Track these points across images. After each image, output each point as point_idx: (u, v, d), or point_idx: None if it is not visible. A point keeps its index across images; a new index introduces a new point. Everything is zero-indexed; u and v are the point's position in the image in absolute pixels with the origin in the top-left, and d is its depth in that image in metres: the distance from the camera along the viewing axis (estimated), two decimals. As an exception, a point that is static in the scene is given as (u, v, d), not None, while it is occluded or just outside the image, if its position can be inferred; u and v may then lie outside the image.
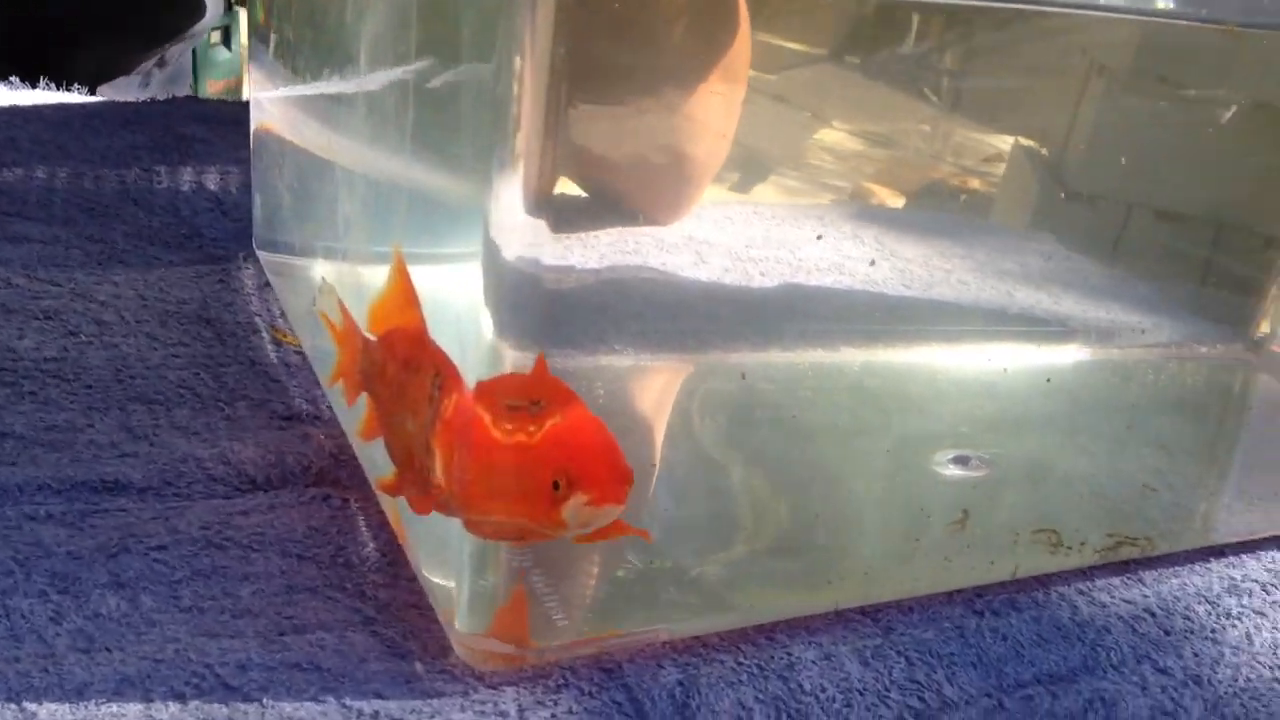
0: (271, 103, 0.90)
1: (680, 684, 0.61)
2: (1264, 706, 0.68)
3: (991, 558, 0.73)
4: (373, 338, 0.65)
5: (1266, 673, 0.71)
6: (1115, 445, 0.83)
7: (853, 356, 0.73)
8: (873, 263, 0.67)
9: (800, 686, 0.63)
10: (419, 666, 0.59)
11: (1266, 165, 0.79)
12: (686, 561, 0.66)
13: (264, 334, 0.89)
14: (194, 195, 1.12)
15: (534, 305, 0.56)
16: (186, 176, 1.15)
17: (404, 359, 0.61)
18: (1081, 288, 0.79)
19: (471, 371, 0.55)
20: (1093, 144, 0.71)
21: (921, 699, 0.63)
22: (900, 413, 0.76)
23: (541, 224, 0.54)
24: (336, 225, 0.77)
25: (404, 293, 0.62)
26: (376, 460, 0.70)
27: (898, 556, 0.71)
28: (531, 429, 0.54)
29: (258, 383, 0.82)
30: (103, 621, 0.58)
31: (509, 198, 0.52)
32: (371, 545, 0.67)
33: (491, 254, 0.53)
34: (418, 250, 0.61)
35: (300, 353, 0.87)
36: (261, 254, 0.99)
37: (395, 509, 0.68)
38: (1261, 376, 0.91)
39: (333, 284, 0.69)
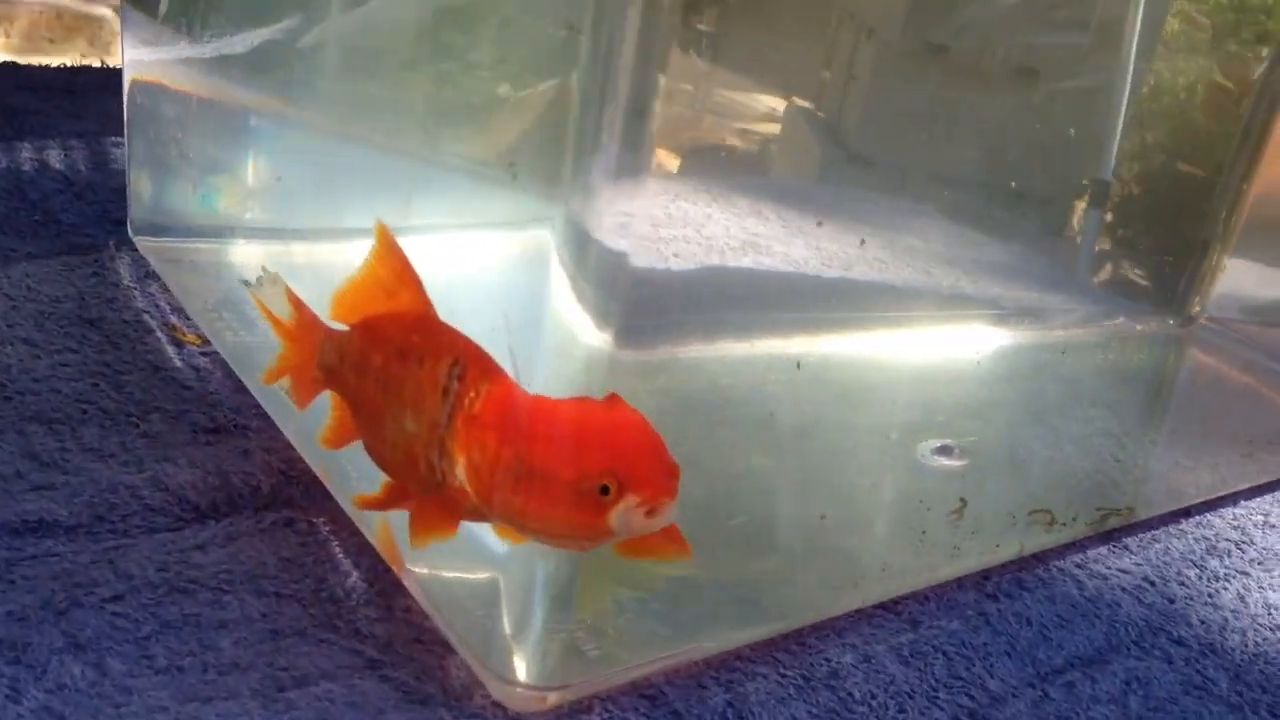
0: (169, 68, 0.78)
1: (730, 704, 0.55)
2: (1279, 670, 0.68)
3: (996, 541, 0.71)
4: (341, 327, 0.56)
5: (1269, 634, 0.71)
6: (1076, 422, 0.82)
7: (797, 345, 0.69)
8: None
9: (850, 695, 0.58)
10: (445, 715, 0.52)
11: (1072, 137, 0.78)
12: (705, 572, 0.61)
13: (159, 334, 0.78)
14: (39, 176, 0.97)
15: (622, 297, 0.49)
16: (25, 154, 1.01)
17: (400, 348, 0.53)
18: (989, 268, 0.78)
19: (550, 371, 0.48)
20: (868, 108, 0.68)
21: (970, 696, 0.60)
22: (870, 405, 0.73)
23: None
24: (280, 202, 0.67)
25: (395, 273, 0.53)
26: (347, 472, 0.61)
27: (909, 550, 0.67)
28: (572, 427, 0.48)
29: (167, 391, 0.71)
30: (70, 695, 0.48)
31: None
32: (355, 574, 0.59)
33: (581, 243, 0.46)
34: (432, 222, 0.53)
35: (207, 353, 0.76)
36: (142, 241, 0.87)
37: (383, 528, 0.59)
38: (1192, 350, 0.92)
39: (276, 272, 0.60)
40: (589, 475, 0.47)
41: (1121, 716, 0.61)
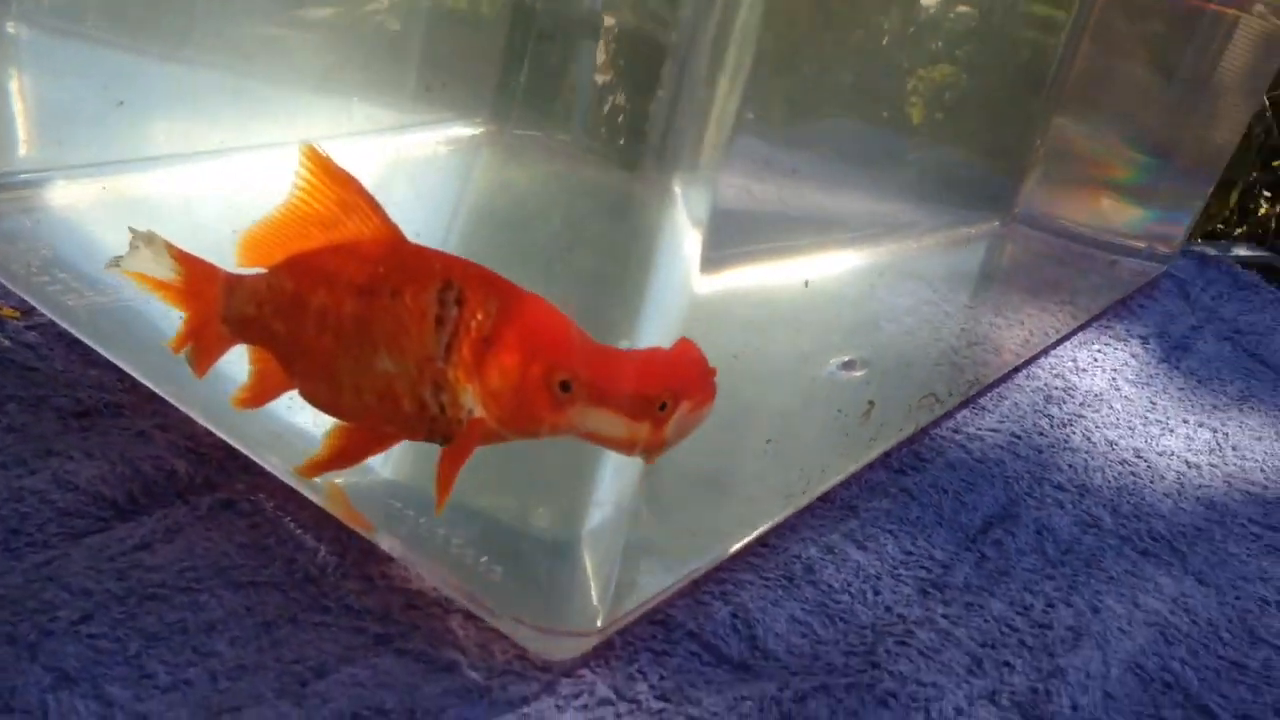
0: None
1: (734, 615, 0.56)
2: (1141, 498, 0.75)
3: (899, 426, 0.74)
4: (250, 272, 0.51)
5: (1119, 468, 0.79)
6: (937, 315, 0.87)
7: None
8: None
9: (830, 585, 0.60)
10: (477, 676, 0.49)
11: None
12: (671, 498, 0.60)
13: (-37, 311, 0.67)
14: None
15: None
16: None
17: (360, 284, 0.48)
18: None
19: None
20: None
21: (925, 568, 0.63)
22: (770, 331, 0.74)
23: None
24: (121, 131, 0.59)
25: (339, 201, 0.49)
26: (282, 437, 0.56)
27: (838, 451, 0.69)
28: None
29: (11, 375, 0.62)
30: (89, 738, 0.42)
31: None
32: (322, 548, 0.54)
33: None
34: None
35: (34, 326, 0.67)
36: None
37: (335, 493, 0.55)
38: (1009, 245, 0.99)
39: (150, 230, 0.53)
40: (651, 392, 0.45)
41: (1046, 563, 0.66)
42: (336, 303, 0.49)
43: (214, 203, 0.71)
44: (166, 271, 0.52)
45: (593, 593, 0.50)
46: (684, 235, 0.48)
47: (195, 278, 0.52)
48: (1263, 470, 0.83)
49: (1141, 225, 1.11)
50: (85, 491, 0.54)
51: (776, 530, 0.63)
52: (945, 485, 0.71)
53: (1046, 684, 0.55)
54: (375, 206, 0.49)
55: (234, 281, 0.51)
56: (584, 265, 0.62)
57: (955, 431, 0.78)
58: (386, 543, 0.54)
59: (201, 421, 0.59)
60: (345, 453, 0.52)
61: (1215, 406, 0.91)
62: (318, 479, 0.54)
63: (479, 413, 0.48)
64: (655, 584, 0.54)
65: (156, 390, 0.61)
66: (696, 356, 0.47)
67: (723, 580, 0.58)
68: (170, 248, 0.52)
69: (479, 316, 0.47)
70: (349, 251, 0.49)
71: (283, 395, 0.53)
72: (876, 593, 0.60)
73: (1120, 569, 0.66)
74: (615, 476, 0.51)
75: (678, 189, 0.47)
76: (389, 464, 0.57)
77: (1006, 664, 0.56)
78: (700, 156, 0.46)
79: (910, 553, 0.64)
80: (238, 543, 0.53)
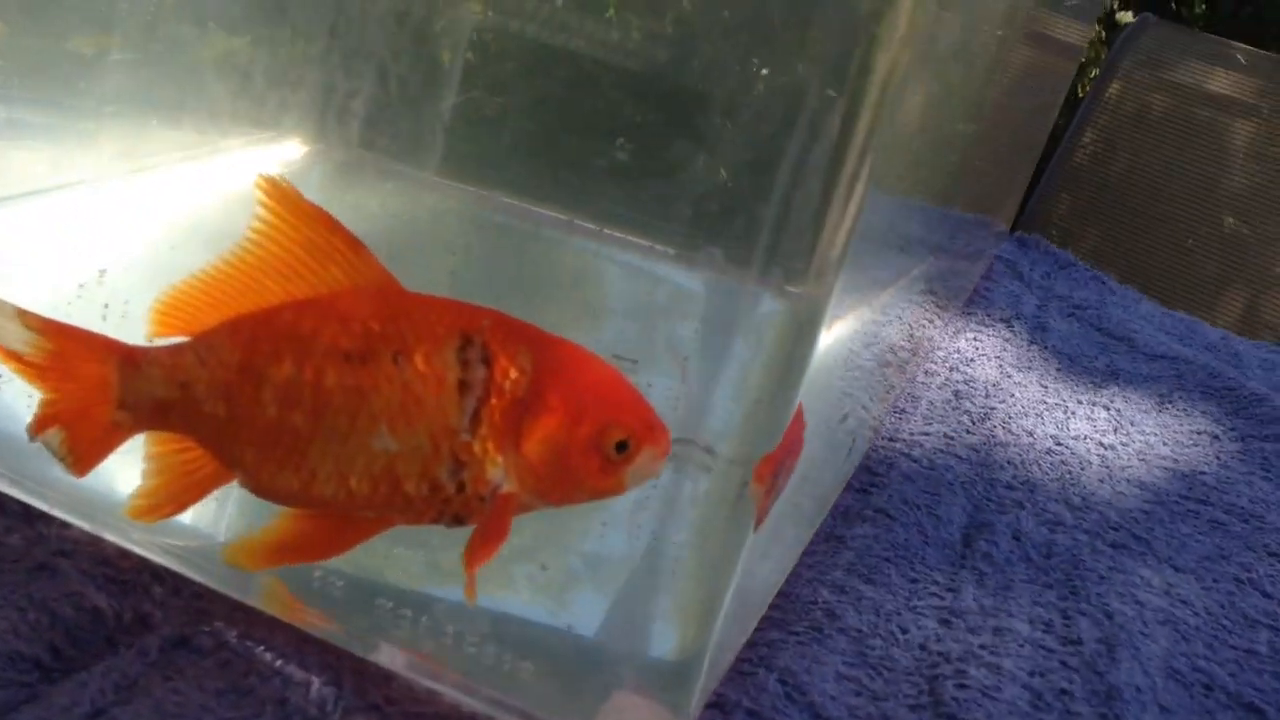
0: None
1: (782, 682, 0.50)
2: (1082, 487, 0.75)
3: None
4: (170, 341, 0.41)
5: (1047, 458, 0.78)
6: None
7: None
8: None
9: (860, 631, 0.55)
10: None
11: None
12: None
13: None
14: None
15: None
16: None
17: (348, 346, 0.40)
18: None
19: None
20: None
21: (934, 594, 0.59)
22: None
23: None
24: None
25: (306, 244, 0.40)
26: (214, 538, 0.46)
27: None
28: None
29: None
30: None
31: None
32: (315, 679, 0.44)
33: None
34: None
35: None
36: None
37: (278, 589, 0.45)
38: None
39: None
40: (665, 434, 0.41)
41: (1037, 571, 0.63)
42: (314, 373, 0.40)
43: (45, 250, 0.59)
44: (19, 338, 0.40)
45: (694, 696, 0.43)
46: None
47: (68, 354, 0.41)
48: (1164, 443, 0.84)
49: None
50: (-5, 653, 0.42)
51: (790, 578, 0.57)
52: (913, 499, 0.67)
53: (1109, 708, 0.52)
54: (359, 248, 0.40)
55: (136, 357, 0.41)
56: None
57: (891, 440, 0.75)
58: (386, 655, 0.45)
59: (112, 539, 0.48)
60: (306, 544, 0.42)
61: (1095, 384, 0.93)
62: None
63: (509, 486, 0.40)
64: (721, 663, 0.48)
65: (38, 505, 0.49)
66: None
67: (755, 643, 0.52)
68: (24, 314, 0.41)
69: (512, 375, 0.39)
70: (325, 307, 0.40)
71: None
72: (904, 630, 0.56)
73: (1104, 566, 0.65)
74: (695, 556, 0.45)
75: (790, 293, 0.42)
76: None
77: (1064, 692, 0.53)
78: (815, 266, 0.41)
79: (915, 580, 0.60)
80: (212, 690, 0.42)
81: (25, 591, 0.44)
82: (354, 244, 0.40)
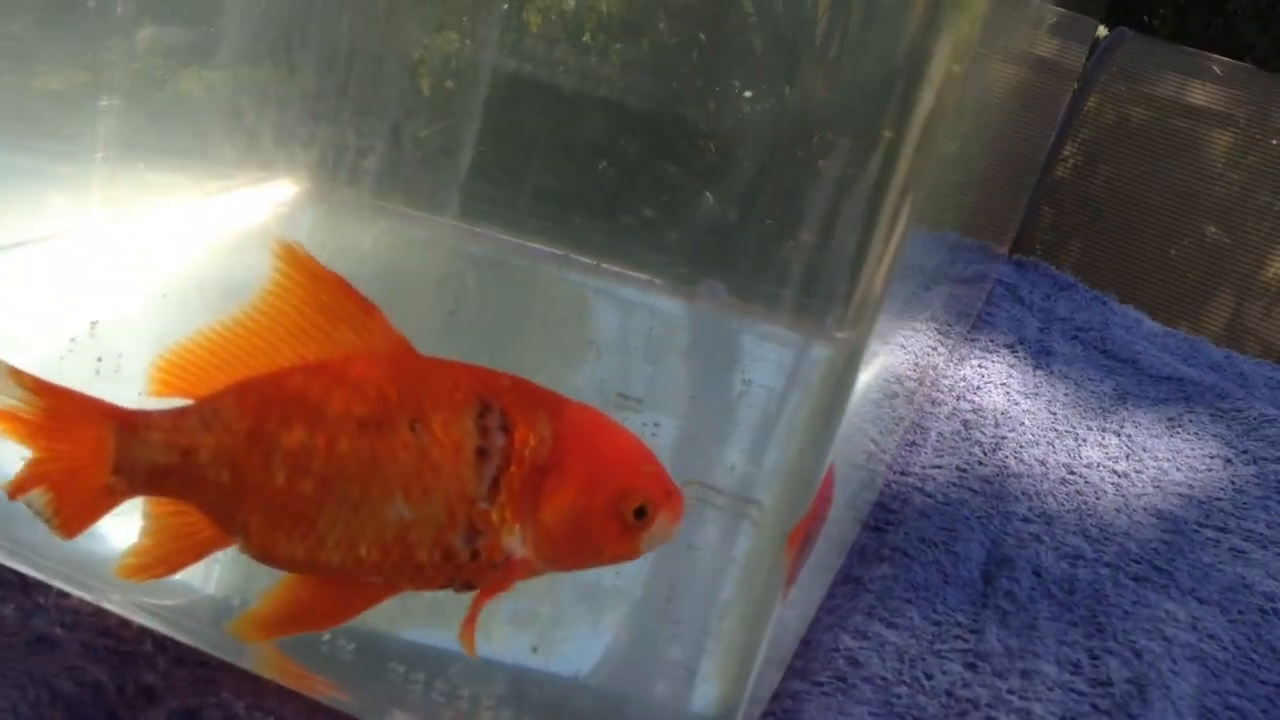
0: None
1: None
2: (1099, 518, 0.73)
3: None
4: (170, 403, 0.40)
5: (1062, 488, 0.76)
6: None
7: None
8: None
9: (885, 679, 0.53)
10: None
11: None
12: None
13: None
14: None
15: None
16: None
17: (364, 413, 0.38)
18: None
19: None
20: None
21: (958, 636, 0.58)
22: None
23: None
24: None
25: (326, 306, 0.39)
26: (220, 601, 0.44)
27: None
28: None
29: None
30: None
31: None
32: (329, 752, 0.42)
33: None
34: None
35: None
36: None
37: (295, 668, 0.44)
38: None
39: None
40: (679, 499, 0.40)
41: (1060, 608, 0.62)
42: (327, 440, 0.38)
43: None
44: (10, 402, 0.39)
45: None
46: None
47: (63, 415, 0.39)
48: (1178, 469, 0.83)
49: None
50: (-6, 738, 0.40)
51: (818, 625, 0.56)
52: (930, 537, 0.66)
53: (1144, 751, 0.51)
54: (373, 311, 0.39)
55: (135, 422, 0.39)
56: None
57: (903, 474, 0.74)
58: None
59: (114, 609, 0.46)
60: (310, 613, 0.41)
61: (1104, 409, 0.92)
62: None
63: (523, 553, 0.39)
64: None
65: (32, 573, 0.47)
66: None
67: (779, 694, 0.51)
68: (17, 374, 0.39)
69: (531, 442, 0.38)
70: (339, 372, 0.39)
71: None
72: (930, 676, 0.54)
73: (1128, 600, 0.63)
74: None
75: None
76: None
77: (1097, 736, 0.51)
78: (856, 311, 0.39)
79: (938, 622, 0.58)
80: (224, 769, 0.41)
81: (24, 667, 0.43)
82: (368, 308, 0.39)
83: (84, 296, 0.54)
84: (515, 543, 0.38)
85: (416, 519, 0.38)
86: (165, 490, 0.40)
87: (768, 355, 0.44)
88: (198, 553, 0.41)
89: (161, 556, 0.41)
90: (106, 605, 0.45)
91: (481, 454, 0.38)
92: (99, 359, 0.49)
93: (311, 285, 0.38)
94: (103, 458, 0.39)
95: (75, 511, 0.40)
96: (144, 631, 0.45)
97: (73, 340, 0.51)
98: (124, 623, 0.46)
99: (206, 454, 0.39)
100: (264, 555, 0.40)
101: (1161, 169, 1.76)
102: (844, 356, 0.40)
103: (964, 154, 0.60)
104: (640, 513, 0.39)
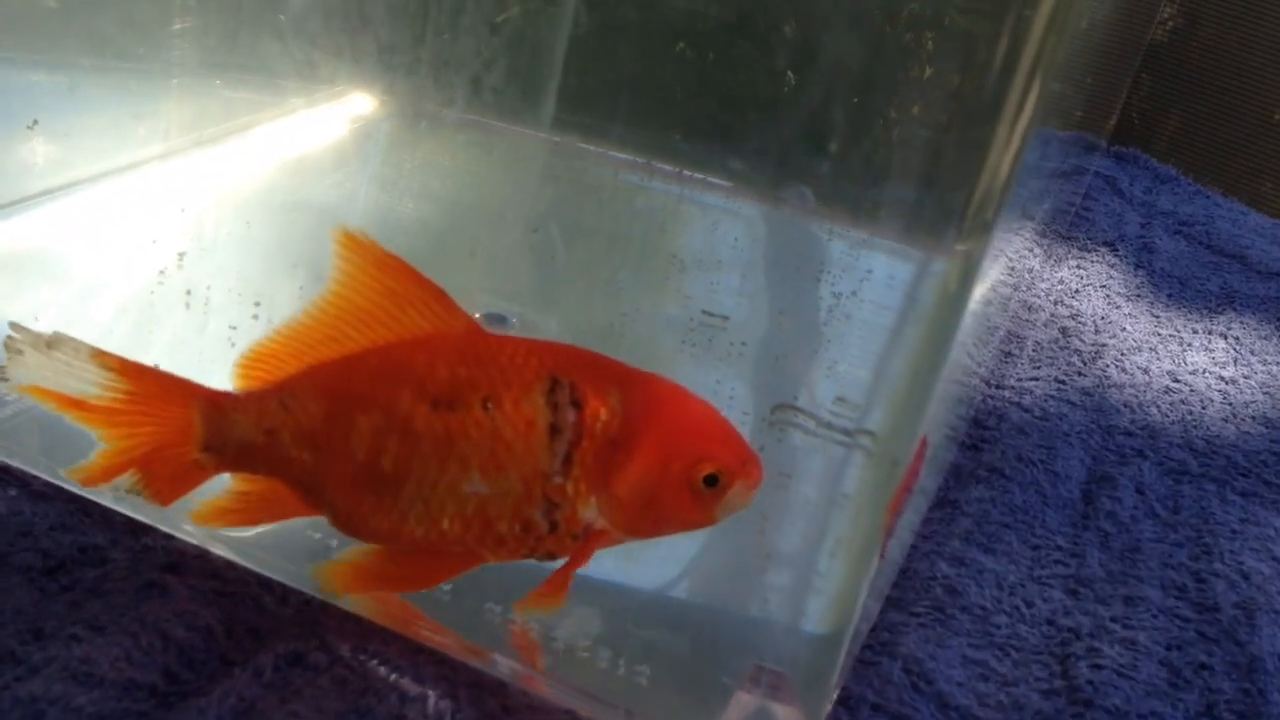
0: None
1: (907, 671, 0.48)
2: (1205, 429, 0.71)
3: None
4: (246, 392, 0.41)
5: (1166, 396, 0.74)
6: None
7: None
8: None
9: (984, 608, 0.53)
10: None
11: None
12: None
13: None
14: None
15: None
16: None
17: (437, 393, 0.39)
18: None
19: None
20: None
21: (1059, 561, 0.57)
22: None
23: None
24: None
25: (392, 291, 0.39)
26: (322, 548, 0.45)
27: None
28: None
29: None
30: None
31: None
32: (431, 693, 0.43)
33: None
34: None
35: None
36: None
37: (397, 608, 0.44)
38: None
39: (56, 331, 0.41)
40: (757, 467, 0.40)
41: (1165, 528, 0.61)
42: (401, 421, 0.39)
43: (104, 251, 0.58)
44: (86, 380, 0.39)
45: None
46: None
47: (150, 395, 0.40)
48: (1288, 374, 0.80)
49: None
50: (112, 683, 0.41)
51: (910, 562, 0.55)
52: (1028, 455, 0.65)
53: (1252, 682, 0.50)
54: (440, 294, 0.40)
55: (223, 403, 0.40)
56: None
57: (999, 387, 0.72)
58: (504, 666, 0.44)
59: (220, 553, 0.47)
60: (397, 575, 0.42)
61: (1210, 309, 0.88)
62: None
63: (601, 524, 0.40)
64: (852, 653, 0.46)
65: (135, 516, 0.48)
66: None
67: (877, 627, 0.50)
68: (101, 355, 0.40)
69: (602, 416, 0.39)
70: (410, 354, 0.39)
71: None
72: (1030, 605, 0.53)
73: (1235, 519, 0.62)
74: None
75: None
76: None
77: (1204, 666, 0.50)
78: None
79: (1037, 547, 0.57)
80: (331, 712, 0.42)
81: (135, 613, 0.44)
82: (435, 291, 0.40)
83: (168, 227, 0.54)
84: (592, 514, 0.39)
85: (494, 494, 0.39)
86: (254, 468, 0.41)
87: (874, 269, 0.43)
88: (279, 516, 0.43)
89: (240, 512, 0.42)
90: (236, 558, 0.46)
91: (554, 430, 0.38)
92: (188, 291, 0.49)
93: (376, 271, 0.39)
94: (191, 436, 0.40)
95: (167, 484, 0.41)
96: (250, 574, 0.46)
97: (161, 273, 0.51)
98: (229, 564, 0.47)
99: (288, 434, 0.40)
100: (350, 529, 0.41)
101: (1266, 31, 1.66)
102: (959, 271, 0.38)
103: (1077, 42, 0.57)
104: (712, 480, 0.39)
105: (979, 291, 0.48)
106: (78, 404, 0.40)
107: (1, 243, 0.58)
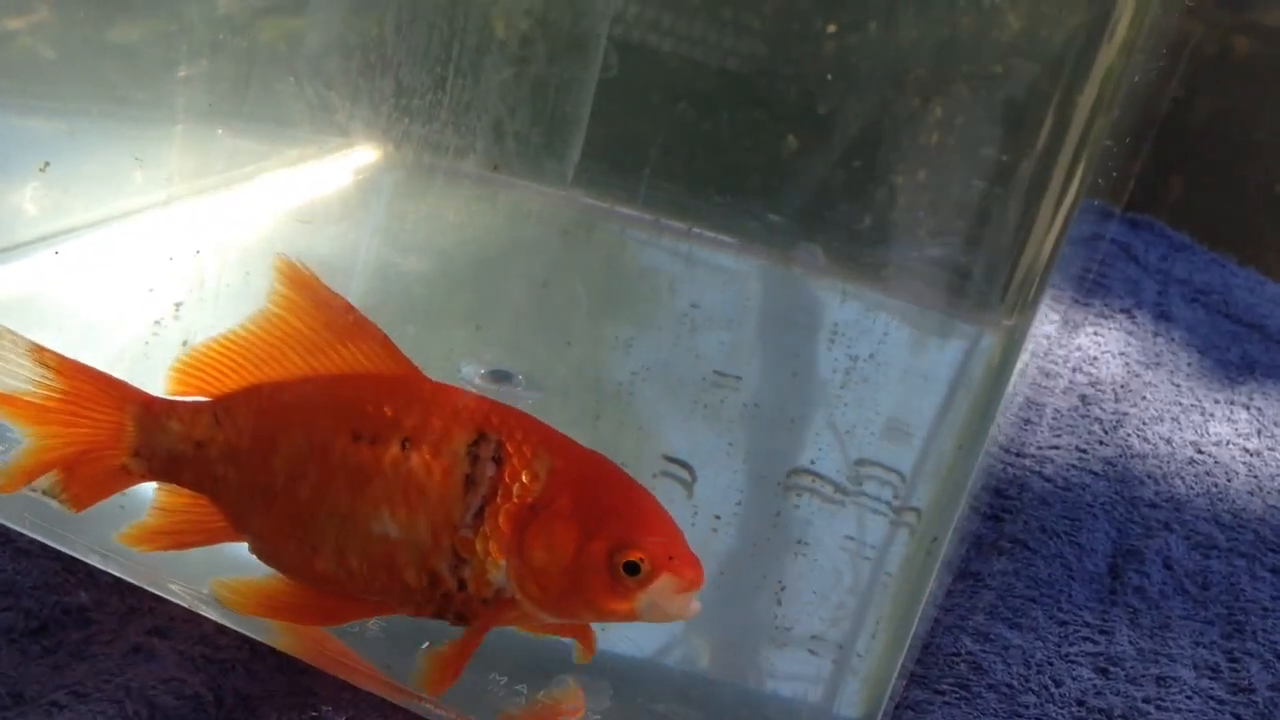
0: None
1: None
2: (1231, 502, 0.69)
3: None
4: (183, 401, 0.41)
5: (1191, 468, 0.72)
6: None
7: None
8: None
9: (1011, 686, 0.50)
10: None
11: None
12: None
13: None
14: None
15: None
16: None
17: (358, 426, 0.39)
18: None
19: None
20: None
21: (1087, 638, 0.54)
22: None
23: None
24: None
25: (331, 323, 0.39)
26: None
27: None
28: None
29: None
30: None
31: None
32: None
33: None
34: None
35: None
36: None
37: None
38: None
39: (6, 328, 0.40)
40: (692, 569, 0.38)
41: (1195, 605, 0.58)
42: (320, 449, 0.39)
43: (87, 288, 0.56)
44: (18, 381, 0.39)
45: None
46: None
47: (84, 395, 0.40)
48: (1314, 446, 0.78)
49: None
50: (93, 750, 0.39)
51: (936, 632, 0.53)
52: (1051, 526, 0.62)
53: (1295, 769, 0.47)
54: (376, 332, 0.39)
55: (158, 409, 0.40)
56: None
57: (1020, 455, 0.70)
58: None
59: (209, 615, 0.45)
60: (300, 605, 0.41)
61: (1230, 379, 0.87)
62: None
63: (512, 592, 0.38)
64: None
65: (122, 576, 0.46)
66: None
67: (900, 704, 0.48)
68: (40, 351, 0.39)
69: (523, 478, 0.38)
70: (343, 385, 0.39)
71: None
72: (1059, 683, 0.51)
73: (1267, 596, 0.59)
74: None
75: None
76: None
77: (1243, 752, 0.48)
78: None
79: (1064, 622, 0.55)
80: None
81: (122, 679, 0.41)
82: (373, 329, 0.39)
83: (166, 276, 0.53)
84: (501, 579, 0.38)
85: (403, 539, 0.38)
86: (180, 479, 0.41)
87: (916, 343, 0.42)
88: (205, 539, 0.42)
89: (167, 533, 0.41)
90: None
91: (469, 482, 0.38)
92: (184, 342, 0.48)
93: (312, 304, 0.39)
94: (122, 440, 0.40)
95: (87, 488, 0.40)
96: (241, 638, 0.44)
97: (157, 323, 0.50)
98: (220, 628, 0.44)
99: (216, 449, 0.40)
100: (265, 556, 0.41)
101: (1268, 101, 1.66)
102: (1003, 346, 0.37)
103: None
104: (632, 568, 0.37)
105: (1019, 364, 0.47)
106: (7, 399, 0.39)
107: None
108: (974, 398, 0.38)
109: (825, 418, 0.48)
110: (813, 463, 0.52)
